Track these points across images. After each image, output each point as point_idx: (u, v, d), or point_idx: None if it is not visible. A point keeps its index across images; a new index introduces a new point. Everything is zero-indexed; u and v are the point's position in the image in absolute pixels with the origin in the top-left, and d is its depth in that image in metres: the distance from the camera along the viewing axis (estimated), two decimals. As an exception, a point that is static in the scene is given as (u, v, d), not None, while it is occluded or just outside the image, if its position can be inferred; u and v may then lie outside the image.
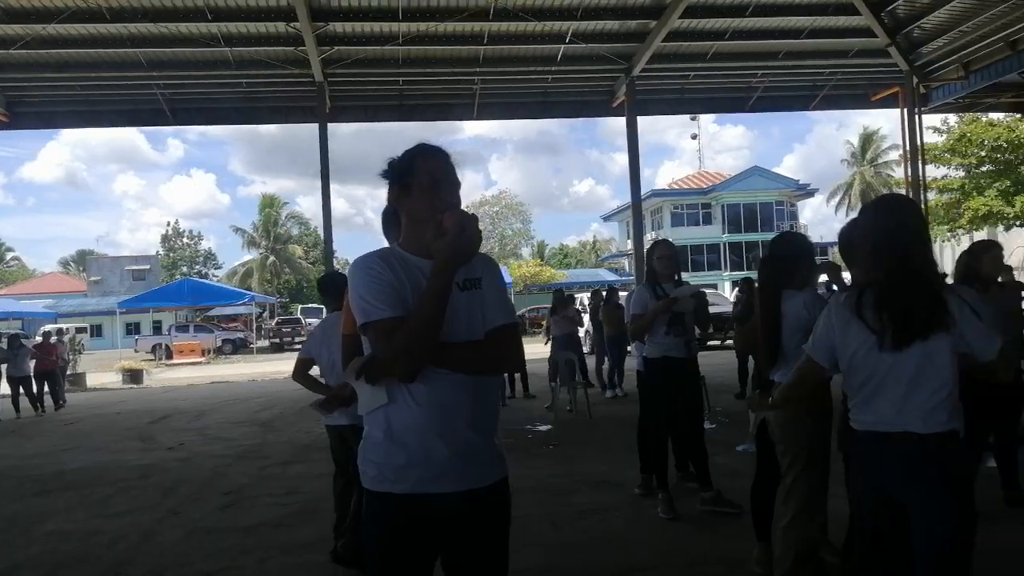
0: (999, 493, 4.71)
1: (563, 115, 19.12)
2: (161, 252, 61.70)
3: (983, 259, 4.57)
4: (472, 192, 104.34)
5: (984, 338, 2.23)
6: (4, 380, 13.53)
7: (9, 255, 66.85)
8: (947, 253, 24.54)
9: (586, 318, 16.98)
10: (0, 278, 59.47)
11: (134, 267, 51.74)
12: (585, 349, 14.81)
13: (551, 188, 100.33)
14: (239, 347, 33.75)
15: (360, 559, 3.56)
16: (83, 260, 61.05)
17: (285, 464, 7.46)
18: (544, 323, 14.02)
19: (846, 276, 2.83)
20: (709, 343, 16.41)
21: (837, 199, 52.36)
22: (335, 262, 20.42)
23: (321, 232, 16.86)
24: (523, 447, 7.64)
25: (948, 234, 26.01)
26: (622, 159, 16.86)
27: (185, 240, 64.96)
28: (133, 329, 39.28)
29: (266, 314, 43.02)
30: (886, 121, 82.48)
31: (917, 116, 16.42)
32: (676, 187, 48.57)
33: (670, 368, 4.99)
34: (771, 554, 3.53)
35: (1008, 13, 13.61)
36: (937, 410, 2.21)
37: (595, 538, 4.62)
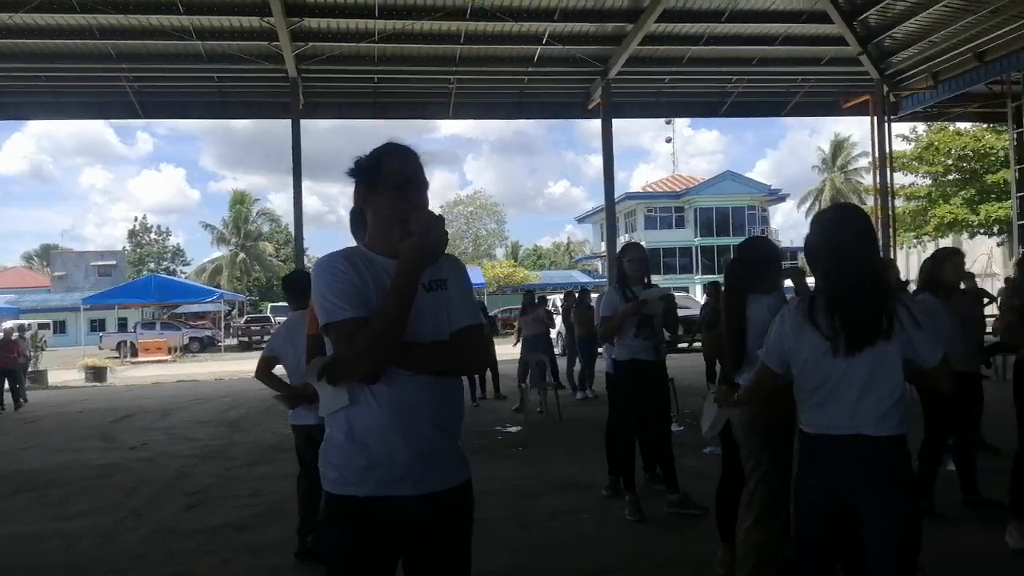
0: (958, 496, 4.79)
1: (539, 116, 19.17)
2: (128, 248, 60.75)
3: (945, 266, 4.65)
4: (447, 191, 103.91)
5: (928, 346, 2.32)
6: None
7: (-29, 248, 65.34)
8: (913, 260, 24.98)
9: (558, 320, 17.03)
10: (-39, 272, 58.05)
11: (100, 262, 50.80)
12: (558, 350, 14.84)
13: (526, 189, 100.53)
14: (207, 345, 33.30)
15: None
16: (47, 254, 59.82)
17: (251, 464, 7.36)
18: (516, 324, 14.02)
19: (811, 282, 2.85)
20: (679, 345, 16.54)
21: (808, 204, 53.10)
22: (306, 260, 20.23)
23: (292, 229, 16.68)
24: (492, 448, 7.62)
25: (915, 241, 26.50)
26: (597, 161, 16.95)
27: (153, 236, 64.07)
28: (98, 326, 38.57)
29: (235, 312, 42.52)
30: (857, 128, 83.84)
31: (886, 124, 16.72)
32: (650, 190, 48.96)
33: (639, 371, 5.00)
34: (735, 556, 3.55)
35: (976, 25, 13.91)
36: (888, 414, 2.29)
37: (563, 540, 4.61)
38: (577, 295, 12.58)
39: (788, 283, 3.68)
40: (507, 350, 12.48)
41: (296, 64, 14.41)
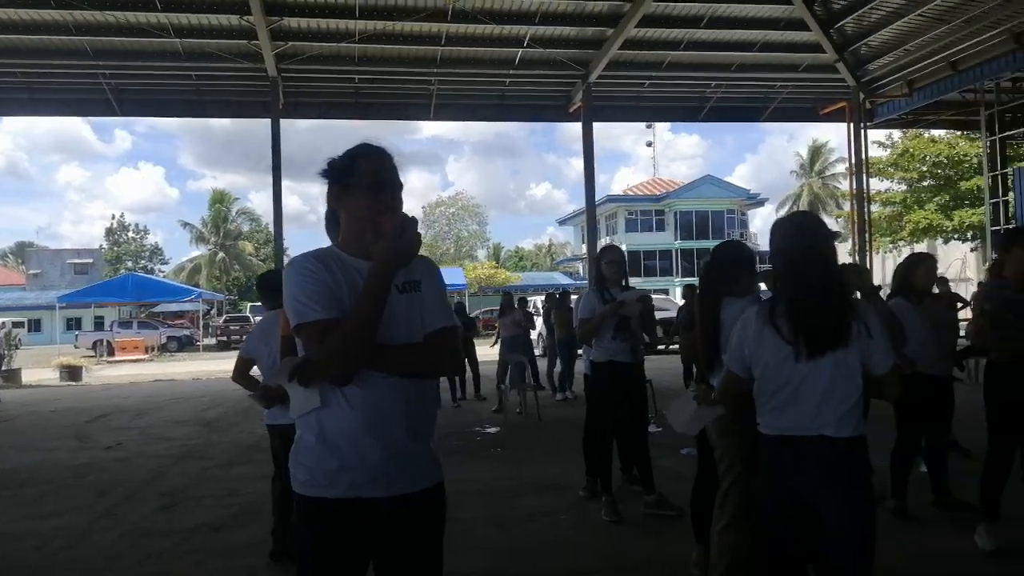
0: (929, 498, 4.86)
1: (520, 119, 19.22)
2: (105, 246, 59.97)
3: (917, 271, 4.73)
4: (428, 192, 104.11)
5: (881, 354, 2.40)
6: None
7: (-57, 245, 64.21)
8: (889, 264, 25.32)
9: (539, 321, 17.06)
10: (-68, 269, 57.00)
11: (76, 260, 50.16)
12: (538, 352, 14.87)
13: (508, 191, 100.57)
14: (185, 344, 32.95)
15: None
16: (22, 252, 58.94)
17: (227, 465, 7.30)
18: (496, 325, 14.03)
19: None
20: (658, 347, 16.63)
21: (786, 209, 53.58)
22: (286, 260, 20.08)
23: (272, 229, 16.59)
24: (471, 449, 7.63)
25: (890, 245, 26.86)
26: (579, 164, 17.02)
27: (131, 234, 63.31)
28: (74, 324, 38.08)
29: (214, 311, 42.14)
30: (834, 134, 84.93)
31: (863, 130, 16.95)
32: (631, 193, 49.21)
33: (616, 372, 5.04)
34: (709, 557, 3.58)
35: (950, 34, 14.15)
36: (848, 416, 2.37)
37: (541, 541, 4.63)
38: (558, 296, 12.62)
39: (763, 287, 3.73)
40: (488, 351, 12.47)
41: (276, 63, 14.34)
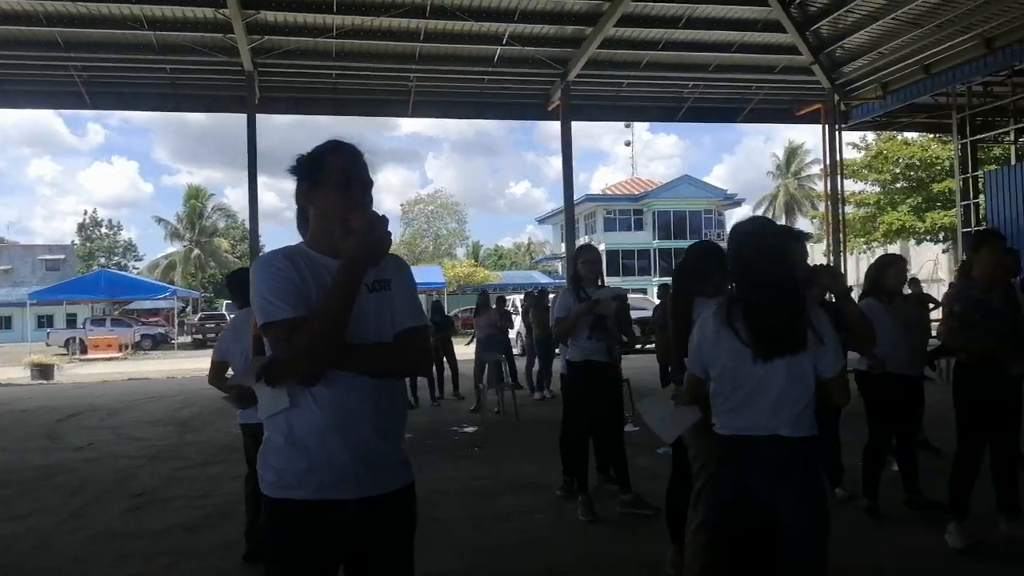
0: (900, 496, 4.93)
1: (499, 116, 19.17)
2: (77, 242, 59.02)
3: (888, 272, 4.79)
4: (407, 190, 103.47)
5: (830, 357, 2.46)
6: None
7: (-91, 240, 62.77)
8: (863, 264, 25.66)
9: (518, 320, 17.07)
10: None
11: (48, 256, 49.38)
12: (517, 351, 14.89)
13: (487, 189, 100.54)
14: (159, 343, 32.56)
15: None
16: (-9, 248, 57.78)
17: (201, 465, 7.21)
18: (472, 324, 14.02)
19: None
20: (636, 346, 16.71)
21: (762, 209, 54.07)
22: (262, 257, 19.87)
23: (249, 225, 16.40)
24: (448, 449, 7.61)
25: (864, 246, 27.20)
26: (558, 163, 17.00)
27: (104, 230, 62.35)
28: (45, 322, 37.51)
29: (189, 309, 41.68)
30: (810, 136, 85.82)
31: (837, 132, 17.13)
32: (609, 192, 49.40)
33: (592, 372, 5.06)
34: (684, 556, 3.60)
35: (923, 39, 14.35)
36: (802, 417, 2.44)
37: (518, 540, 4.62)
38: (536, 295, 12.63)
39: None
40: (465, 350, 12.46)
41: (252, 57, 14.16)
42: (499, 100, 17.77)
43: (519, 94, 17.58)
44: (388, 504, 1.89)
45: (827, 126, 16.89)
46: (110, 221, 63.69)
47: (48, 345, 30.40)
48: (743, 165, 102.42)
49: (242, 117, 15.41)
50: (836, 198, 17.24)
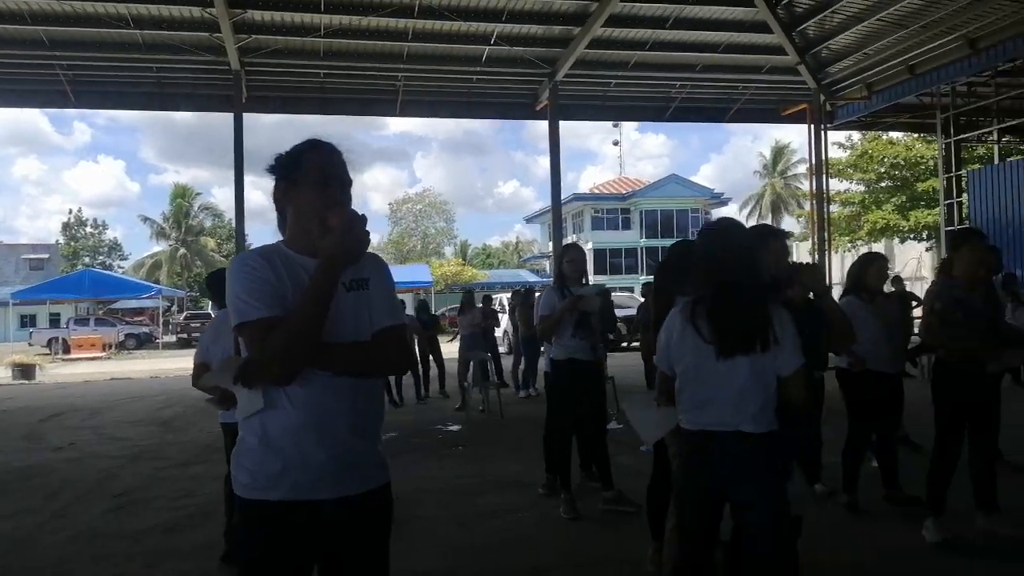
0: (880, 492, 4.97)
1: (487, 116, 19.21)
2: (62, 241, 58.49)
3: (869, 270, 4.83)
4: (396, 189, 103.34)
5: (788, 355, 2.50)
6: None
7: None
8: (847, 263, 25.85)
9: (504, 318, 17.07)
10: None
11: (32, 256, 48.96)
12: (503, 349, 14.88)
13: (476, 188, 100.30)
14: (144, 342, 32.35)
15: None
16: (-26, 247, 57.17)
17: (183, 465, 7.17)
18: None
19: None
20: (622, 344, 16.76)
21: (749, 208, 54.37)
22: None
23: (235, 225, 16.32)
24: (433, 447, 7.61)
25: (849, 245, 27.39)
26: (547, 162, 17.01)
27: (89, 229, 61.78)
28: (28, 321, 37.19)
29: (175, 308, 41.43)
30: (796, 136, 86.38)
31: (823, 132, 17.25)
32: (597, 191, 49.49)
33: (576, 370, 5.07)
34: (663, 553, 3.61)
35: (907, 39, 14.46)
36: (763, 412, 2.49)
37: (502, 539, 4.62)
38: (523, 293, 12.63)
39: None
40: (451, 348, 12.45)
41: (239, 57, 14.10)
42: (487, 100, 17.77)
43: (507, 94, 17.59)
44: (364, 504, 1.88)
45: (813, 126, 16.99)
46: (95, 220, 63.08)
47: (31, 345, 30.13)
48: (730, 164, 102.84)
49: (229, 116, 15.35)
50: (821, 197, 17.35)
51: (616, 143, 57.90)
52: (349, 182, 1.93)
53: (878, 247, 26.59)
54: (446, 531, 4.78)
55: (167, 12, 13.07)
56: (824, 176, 17.56)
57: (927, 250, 27.60)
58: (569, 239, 38.82)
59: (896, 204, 25.74)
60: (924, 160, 24.76)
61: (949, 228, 17.62)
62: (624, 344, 17.05)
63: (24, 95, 16.40)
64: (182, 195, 53.80)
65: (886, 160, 25.71)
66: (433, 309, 17.13)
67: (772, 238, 2.97)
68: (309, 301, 1.75)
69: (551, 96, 16.15)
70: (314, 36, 13.83)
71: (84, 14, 12.89)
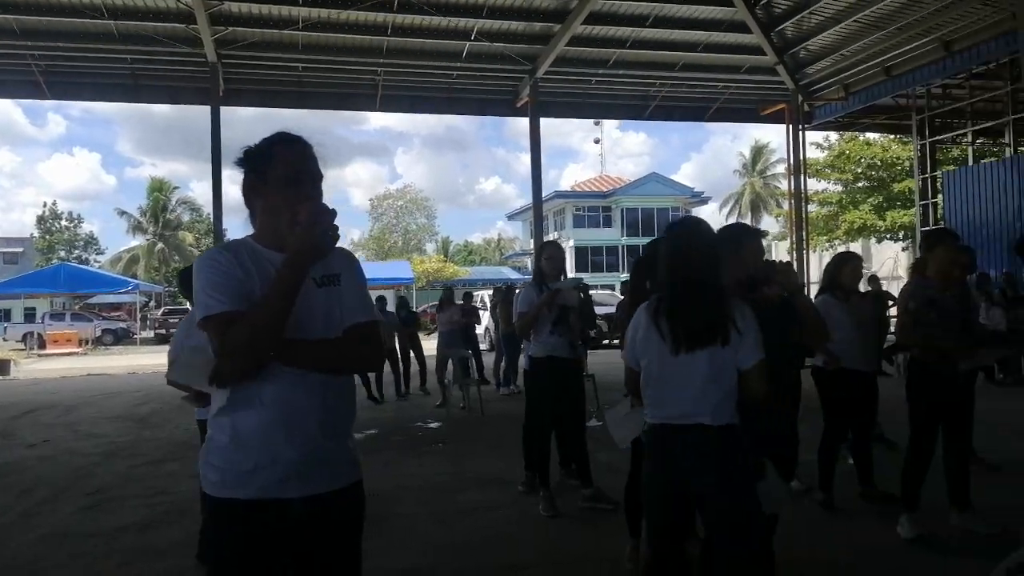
0: (855, 490, 5.02)
1: (467, 112, 19.15)
2: (36, 235, 57.59)
3: (843, 269, 4.89)
4: (376, 185, 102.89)
5: (748, 349, 2.55)
6: None
7: None
8: (825, 262, 26.08)
9: (486, 316, 17.06)
10: None
11: (5, 249, 48.28)
12: (485, 346, 14.87)
13: (457, 184, 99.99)
14: (121, 337, 31.93)
15: None
16: (-55, 240, 56.14)
17: (158, 462, 7.09)
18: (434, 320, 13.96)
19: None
20: (603, 341, 16.82)
21: (729, 207, 54.73)
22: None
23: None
24: (412, 445, 7.59)
25: (827, 244, 27.67)
26: (528, 159, 17.01)
27: (64, 223, 60.83)
28: (2, 316, 36.60)
29: (152, 303, 40.95)
30: (775, 135, 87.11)
31: (801, 132, 17.42)
32: (578, 189, 49.60)
33: (555, 368, 5.07)
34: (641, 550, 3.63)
35: (884, 41, 14.63)
36: (722, 405, 2.56)
37: (480, 536, 4.62)
38: (504, 290, 12.64)
39: None
40: (431, 344, 12.42)
41: (216, 49, 13.97)
42: (468, 96, 17.73)
43: (488, 90, 17.56)
44: (335, 502, 1.86)
45: (791, 126, 17.16)
46: (70, 214, 62.25)
47: (5, 340, 29.63)
48: (710, 163, 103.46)
49: (207, 109, 15.18)
50: (800, 197, 17.53)
51: (597, 141, 58.29)
52: (320, 176, 1.91)
53: (855, 247, 26.89)
54: (425, 528, 4.77)
55: (142, 2, 12.93)
56: (802, 176, 17.75)
57: (903, 250, 27.95)
58: (550, 236, 38.87)
59: (873, 204, 26.05)
60: (900, 161, 25.07)
61: (925, 228, 17.87)
62: (605, 341, 17.10)
63: (-5, 85, 16.13)
64: (159, 189, 53.13)
65: (863, 161, 26.00)
66: (414, 306, 17.10)
67: (748, 237, 2.98)
68: (273, 296, 1.73)
69: (532, 93, 16.16)
70: (292, 29, 13.72)
71: (57, 3, 12.71)
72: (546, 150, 16.85)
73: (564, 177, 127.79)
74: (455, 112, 18.83)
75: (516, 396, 10.70)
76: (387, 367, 11.05)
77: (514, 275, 43.81)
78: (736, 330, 2.52)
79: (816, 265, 22.02)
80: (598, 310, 7.62)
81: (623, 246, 46.88)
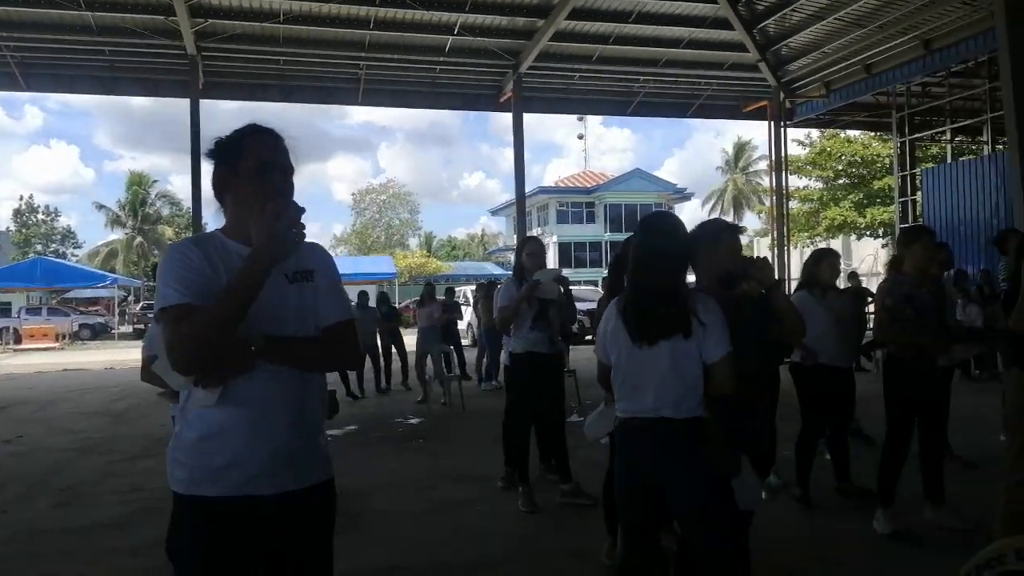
0: (832, 485, 5.04)
1: (451, 107, 19.06)
2: (12, 228, 56.73)
3: (820, 266, 4.91)
4: (359, 179, 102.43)
5: (713, 343, 2.55)
6: None
7: None
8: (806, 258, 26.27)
9: (469, 311, 17.02)
10: None
11: (-20, 243, 47.42)
12: (467, 341, 14.83)
13: (441, 179, 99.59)
14: (99, 332, 31.55)
15: None
16: (-80, 233, 55.24)
17: (134, 459, 7.00)
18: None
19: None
20: (587, 337, 16.84)
21: (711, 204, 54.99)
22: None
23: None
24: (392, 440, 7.55)
25: (808, 240, 27.88)
26: (512, 154, 16.99)
27: (41, 216, 59.92)
28: (-24, 311, 35.95)
29: (131, 298, 40.51)
30: (758, 132, 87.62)
31: (783, 129, 17.52)
32: (562, 185, 49.62)
33: (535, 363, 5.05)
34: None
35: (864, 39, 14.73)
36: (686, 398, 2.55)
37: (456, 532, 4.59)
38: (486, 286, 12.60)
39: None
40: (413, 339, 12.37)
41: (195, 41, 13.81)
42: (451, 91, 17.67)
43: (471, 85, 17.51)
44: (306, 499, 1.84)
45: (773, 123, 17.24)
46: (47, 207, 61.12)
47: (-20, 335, 29.17)
48: (693, 160, 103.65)
49: (188, 102, 15.01)
50: (781, 193, 17.62)
51: (581, 137, 58.29)
52: (291, 169, 1.88)
53: (836, 243, 27.12)
54: (402, 525, 4.73)
55: (121, -6, 12.73)
56: (784, 173, 17.85)
57: (883, 246, 28.23)
58: (534, 232, 38.87)
59: (853, 201, 26.27)
60: (880, 158, 25.31)
61: (904, 225, 18.03)
62: (588, 337, 17.12)
63: (-31, 77, 15.83)
64: (139, 182, 52.44)
65: (844, 158, 26.22)
66: (397, 301, 17.03)
67: (726, 233, 2.98)
68: (231, 292, 1.69)
69: (515, 88, 16.12)
70: (273, 22, 13.59)
71: (33, -6, 12.49)
72: (530, 145, 16.83)
73: (548, 172, 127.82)
74: (438, 107, 18.72)
75: (498, 392, 10.67)
76: (368, 363, 11.02)
77: (498, 271, 43.74)
78: (699, 322, 2.52)
79: (797, 261, 22.18)
80: (581, 306, 7.61)
81: (606, 242, 46.92)
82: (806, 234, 27.66)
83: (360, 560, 3.97)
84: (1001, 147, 16.20)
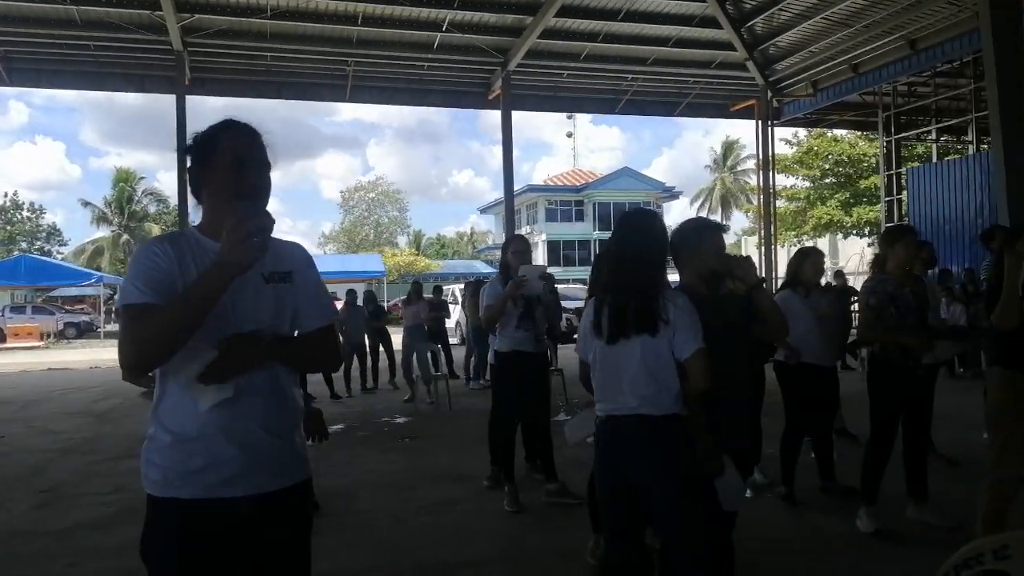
0: (817, 484, 5.06)
1: (439, 104, 19.00)
2: (-4, 225, 56.22)
3: (804, 265, 4.92)
4: (348, 177, 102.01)
5: (682, 340, 2.56)
6: None
7: None
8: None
9: (457, 309, 17.01)
10: None
11: (-37, 241, 46.89)
12: (455, 340, 14.80)
13: (430, 177, 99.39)
14: (84, 331, 31.30)
15: None
16: (-99, 230, 54.61)
17: (116, 459, 6.92)
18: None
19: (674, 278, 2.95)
20: (574, 336, 16.87)
21: (700, 202, 55.17)
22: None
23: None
24: (377, 440, 7.52)
25: (795, 239, 28.01)
26: (501, 152, 16.96)
27: (25, 213, 59.39)
28: (-40, 309, 35.55)
29: (117, 296, 40.19)
30: (746, 131, 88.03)
31: (770, 128, 17.58)
32: (551, 183, 49.63)
33: (521, 362, 5.04)
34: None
35: (851, 39, 14.80)
36: (661, 395, 2.57)
37: (440, 532, 4.57)
38: (474, 284, 12.58)
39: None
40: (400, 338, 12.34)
41: (182, 36, 13.69)
42: (439, 88, 17.62)
43: (460, 82, 17.46)
44: (283, 500, 1.82)
45: (760, 122, 17.30)
46: (32, 204, 60.63)
47: (-37, 334, 28.85)
48: (682, 159, 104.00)
49: (174, 98, 14.88)
50: (768, 192, 17.69)
51: (570, 135, 58.21)
52: (267, 165, 1.85)
53: (822, 242, 27.27)
54: (385, 526, 4.70)
55: (105, -12, 12.60)
56: (771, 172, 17.91)
57: (869, 245, 28.37)
58: (523, 230, 38.90)
59: (840, 200, 26.43)
60: (866, 158, 25.45)
61: (889, 224, 18.13)
62: (575, 336, 17.14)
63: (-50, 71, 15.65)
64: (125, 179, 52.03)
65: (830, 157, 26.36)
66: (386, 299, 16.97)
67: (709, 232, 2.97)
68: (191, 296, 1.64)
69: (504, 86, 16.10)
70: (260, 17, 13.49)
71: (16, -13, 12.35)
72: (519, 144, 16.83)
73: (537, 171, 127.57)
74: (426, 104, 18.66)
75: (485, 391, 10.62)
76: (355, 361, 10.97)
77: (487, 269, 43.70)
78: (664, 320, 2.53)
79: (784, 260, 22.29)
80: (570, 304, 7.61)
81: (595, 240, 46.96)
82: (793, 233, 27.79)
83: (343, 562, 3.95)
84: (986, 147, 16.32)
